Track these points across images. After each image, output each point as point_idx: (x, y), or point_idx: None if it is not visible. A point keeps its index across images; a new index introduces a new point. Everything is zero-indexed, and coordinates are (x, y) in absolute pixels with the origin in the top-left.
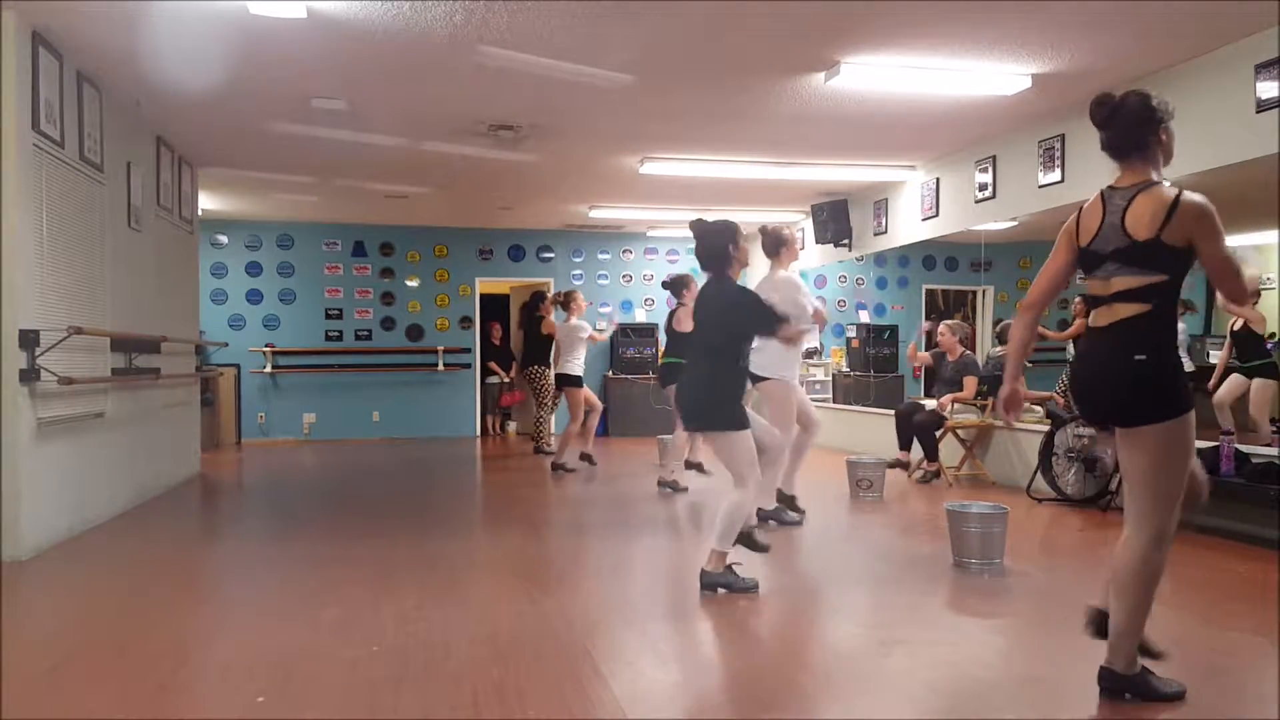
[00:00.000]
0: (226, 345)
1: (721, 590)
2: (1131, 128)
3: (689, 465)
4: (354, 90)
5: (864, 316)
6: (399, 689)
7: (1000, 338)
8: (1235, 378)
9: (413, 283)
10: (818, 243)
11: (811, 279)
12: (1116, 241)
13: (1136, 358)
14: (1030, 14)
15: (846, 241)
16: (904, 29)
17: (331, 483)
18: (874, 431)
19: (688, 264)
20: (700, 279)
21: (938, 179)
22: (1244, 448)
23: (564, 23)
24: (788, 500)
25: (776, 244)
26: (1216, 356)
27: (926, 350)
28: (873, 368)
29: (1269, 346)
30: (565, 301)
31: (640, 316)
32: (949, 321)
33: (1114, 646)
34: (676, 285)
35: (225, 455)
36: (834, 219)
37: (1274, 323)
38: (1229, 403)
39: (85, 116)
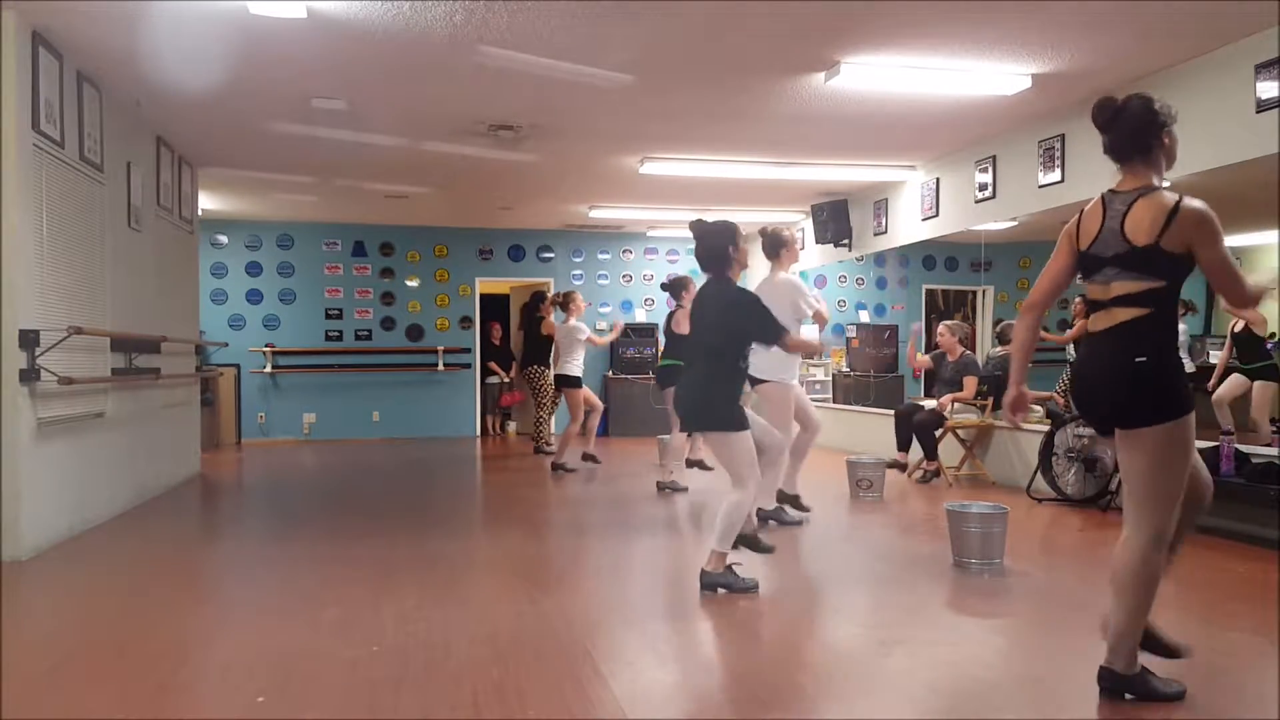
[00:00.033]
0: (226, 345)
1: (721, 590)
2: (1134, 131)
3: (690, 464)
4: (354, 90)
5: (864, 316)
6: (399, 689)
7: (1000, 338)
8: (1236, 377)
9: (413, 283)
10: (818, 243)
11: (811, 279)
12: (1116, 246)
13: (1137, 359)
14: (1030, 14)
15: (846, 241)
16: (904, 29)
17: (331, 483)
18: (874, 431)
19: (688, 264)
20: (699, 280)
21: (938, 179)
22: (1244, 448)
23: (564, 23)
24: (792, 500)
25: (776, 245)
26: (1217, 357)
27: (925, 351)
28: (873, 368)
29: (1269, 347)
30: (564, 302)
31: (640, 316)
32: (948, 322)
33: (1114, 647)
34: (675, 287)
35: (225, 455)
36: (834, 219)
37: (1274, 323)
38: (1228, 401)
39: (85, 116)
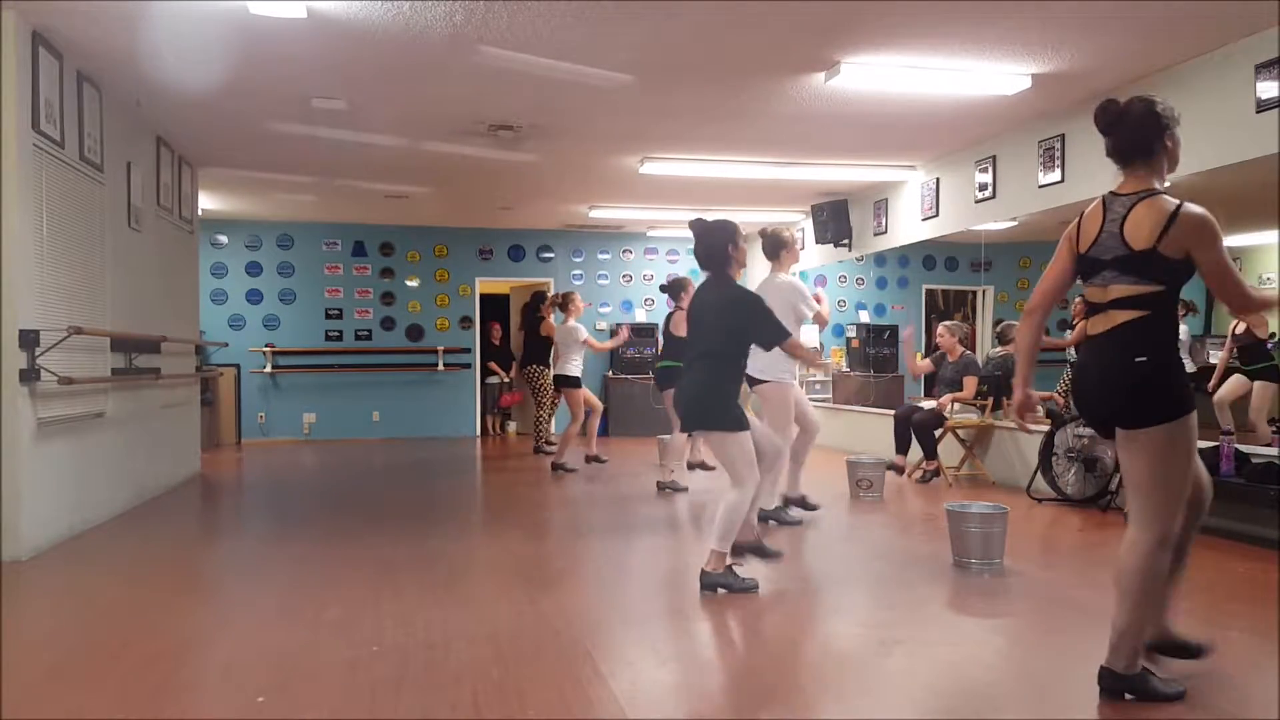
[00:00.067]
0: (227, 345)
1: (721, 590)
2: (1137, 134)
3: (692, 466)
4: (354, 90)
5: (864, 316)
6: (399, 689)
7: (1000, 338)
8: (1237, 378)
9: (413, 283)
10: (818, 243)
11: (811, 279)
12: (1115, 249)
13: (1137, 359)
14: (1030, 14)
15: (846, 241)
16: (904, 29)
17: (331, 483)
18: (874, 431)
19: (688, 264)
20: (699, 281)
21: (938, 179)
22: (1244, 448)
23: (564, 23)
24: (799, 501)
25: (776, 246)
26: (1217, 358)
27: (925, 353)
28: (873, 368)
29: (1269, 347)
30: (563, 303)
31: (640, 316)
32: (948, 323)
33: (1115, 646)
34: (674, 288)
35: (225, 455)
36: (834, 219)
37: (1274, 323)
38: (1229, 402)
39: (85, 116)
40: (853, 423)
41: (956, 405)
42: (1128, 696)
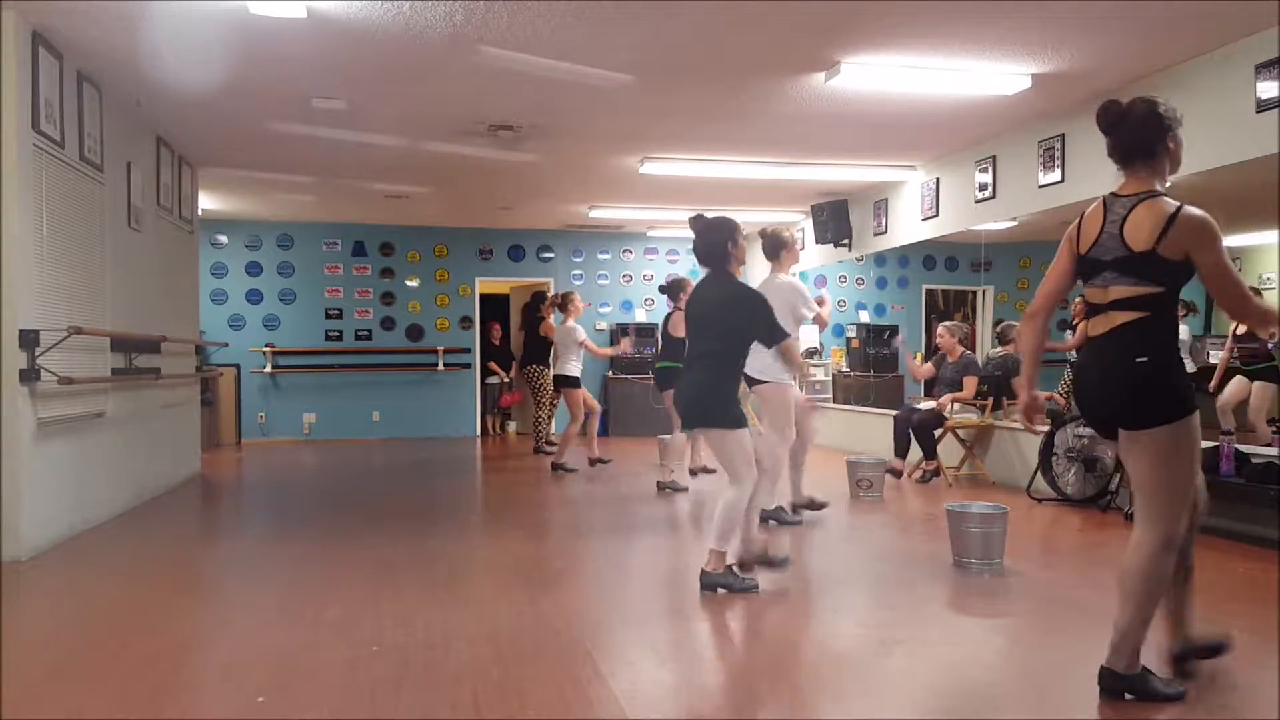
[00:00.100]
0: (227, 345)
1: (721, 590)
2: (1139, 135)
3: (694, 472)
4: (354, 90)
5: (864, 316)
6: (399, 689)
7: (1000, 338)
8: (1238, 380)
9: (413, 283)
10: (818, 243)
11: (811, 279)
12: (1115, 251)
13: (1138, 360)
14: (1030, 14)
15: (846, 241)
16: (904, 29)
17: (331, 483)
18: (874, 431)
19: (688, 264)
20: (698, 279)
21: (938, 179)
22: (1244, 448)
23: (564, 23)
24: (807, 504)
25: (776, 247)
26: (1217, 357)
27: (925, 356)
28: (873, 368)
29: (1270, 347)
30: (562, 303)
31: (640, 317)
32: (948, 323)
33: (1117, 646)
34: (673, 289)
35: (225, 455)
36: (834, 219)
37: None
38: (1234, 406)
39: (85, 116)
40: (853, 423)
41: (956, 405)
42: (1128, 696)
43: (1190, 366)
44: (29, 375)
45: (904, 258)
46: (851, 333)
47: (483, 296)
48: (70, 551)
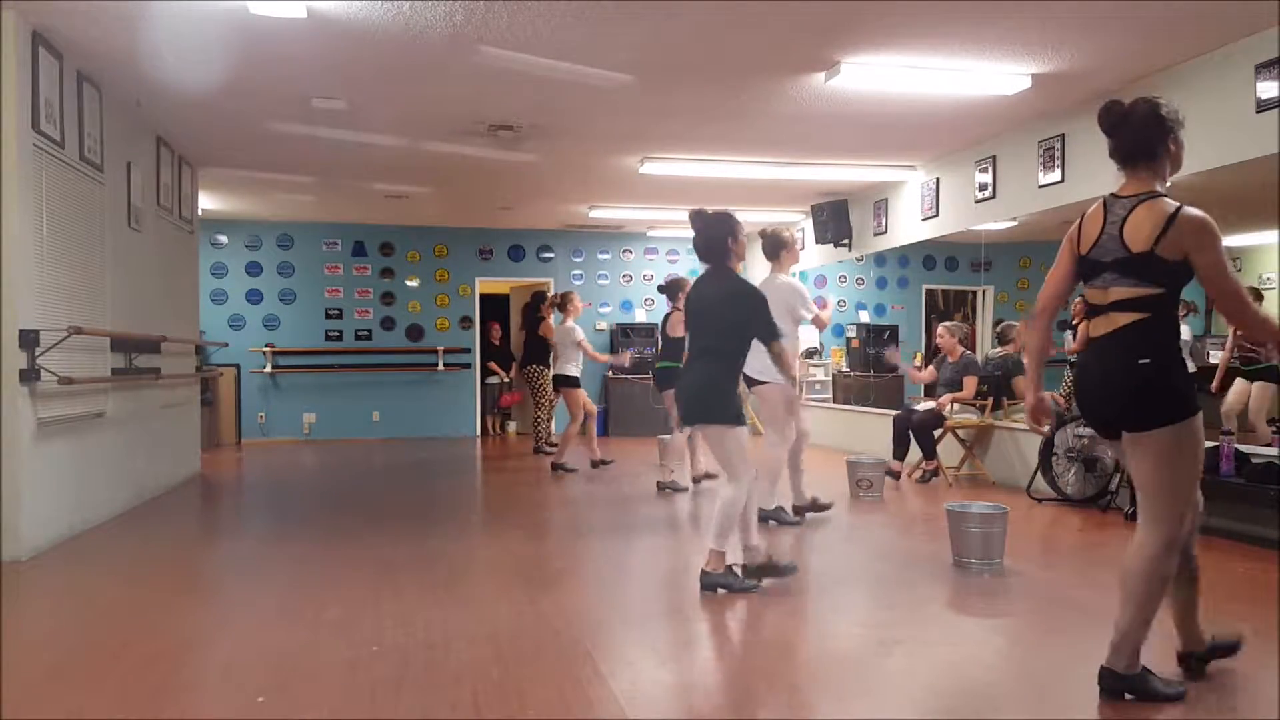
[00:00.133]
0: (227, 345)
1: (721, 590)
2: (1140, 136)
3: (697, 479)
4: (354, 90)
5: (864, 316)
6: (399, 689)
7: (1000, 338)
8: (1239, 383)
9: (413, 283)
10: (818, 243)
11: (811, 279)
12: (1115, 252)
13: (1140, 361)
14: (1030, 14)
15: (846, 241)
16: (904, 29)
17: (331, 483)
18: (874, 431)
19: (688, 264)
20: (697, 275)
21: (938, 179)
22: (1244, 448)
23: (564, 23)
24: (810, 505)
25: (776, 247)
26: (1217, 357)
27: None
28: (872, 368)
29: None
30: (562, 303)
31: (640, 317)
32: (947, 323)
33: (1117, 646)
34: (672, 289)
35: (225, 455)
36: (834, 219)
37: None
38: (1239, 411)
39: (85, 116)
40: (852, 423)
41: (956, 405)
42: (1128, 696)
43: (1190, 367)
44: (29, 375)
45: (904, 258)
46: (851, 333)
47: (483, 296)
48: (70, 551)
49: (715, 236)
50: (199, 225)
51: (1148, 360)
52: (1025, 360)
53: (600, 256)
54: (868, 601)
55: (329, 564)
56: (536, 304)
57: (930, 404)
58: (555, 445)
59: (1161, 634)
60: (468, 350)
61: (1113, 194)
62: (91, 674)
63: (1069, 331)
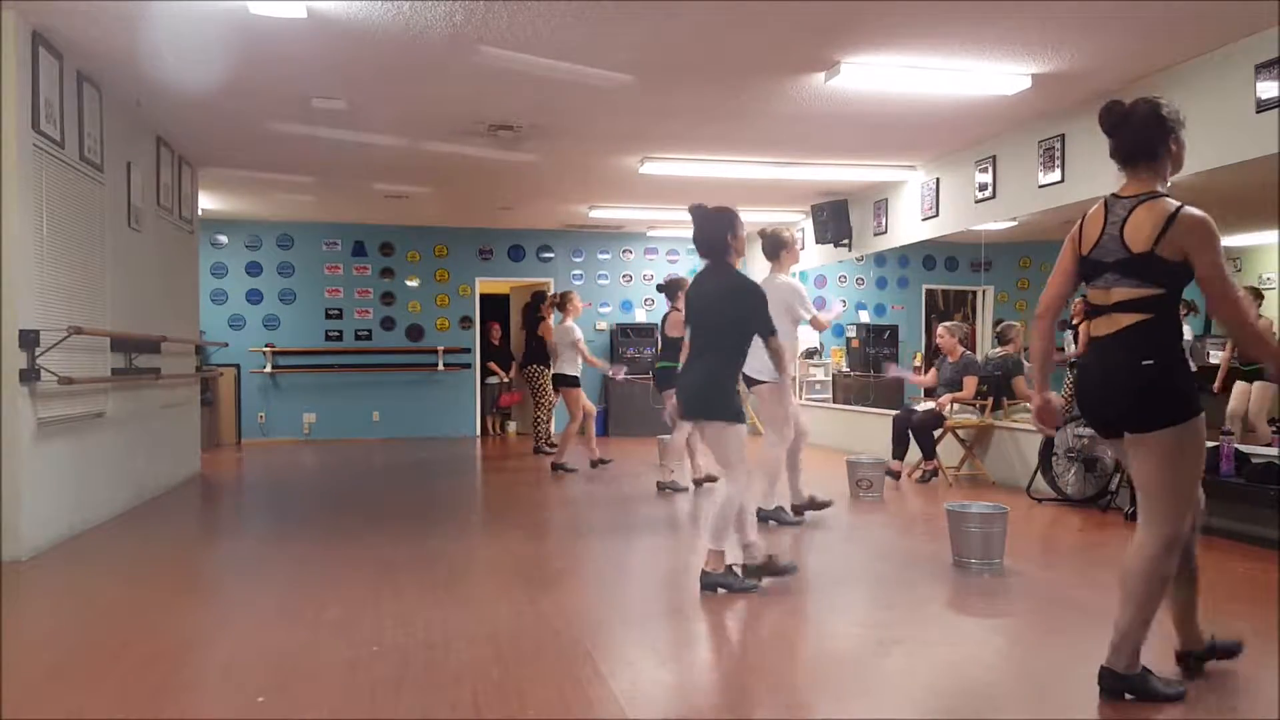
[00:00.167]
0: (227, 345)
1: (721, 590)
2: (1141, 136)
3: (698, 482)
4: (354, 90)
5: (864, 316)
6: (399, 689)
7: (1000, 338)
8: (1240, 383)
9: (413, 283)
10: (818, 243)
11: (811, 279)
12: (1116, 252)
13: (1144, 362)
14: (1030, 14)
15: (846, 241)
16: (904, 29)
17: (331, 483)
18: (873, 431)
19: (688, 264)
20: (697, 270)
21: (938, 179)
22: (1244, 448)
23: (564, 23)
24: (808, 503)
25: (776, 247)
26: (1217, 357)
27: (924, 354)
28: (872, 368)
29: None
30: (561, 303)
31: (640, 316)
32: (947, 323)
33: (1117, 646)
34: (671, 288)
35: (225, 455)
36: (834, 219)
37: (1276, 324)
38: (1242, 412)
39: (85, 116)
40: (852, 423)
41: (956, 405)
42: (1128, 696)
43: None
44: (29, 375)
45: (904, 258)
46: (851, 333)
47: (483, 296)
48: (70, 551)
49: (715, 232)
50: (199, 225)
51: (1152, 362)
52: (1030, 362)
53: (600, 256)
54: (867, 601)
55: (329, 564)
56: (537, 304)
57: (930, 404)
58: (555, 445)
59: (1161, 634)
60: (468, 350)
61: (1114, 194)
62: (91, 674)
63: (1068, 332)
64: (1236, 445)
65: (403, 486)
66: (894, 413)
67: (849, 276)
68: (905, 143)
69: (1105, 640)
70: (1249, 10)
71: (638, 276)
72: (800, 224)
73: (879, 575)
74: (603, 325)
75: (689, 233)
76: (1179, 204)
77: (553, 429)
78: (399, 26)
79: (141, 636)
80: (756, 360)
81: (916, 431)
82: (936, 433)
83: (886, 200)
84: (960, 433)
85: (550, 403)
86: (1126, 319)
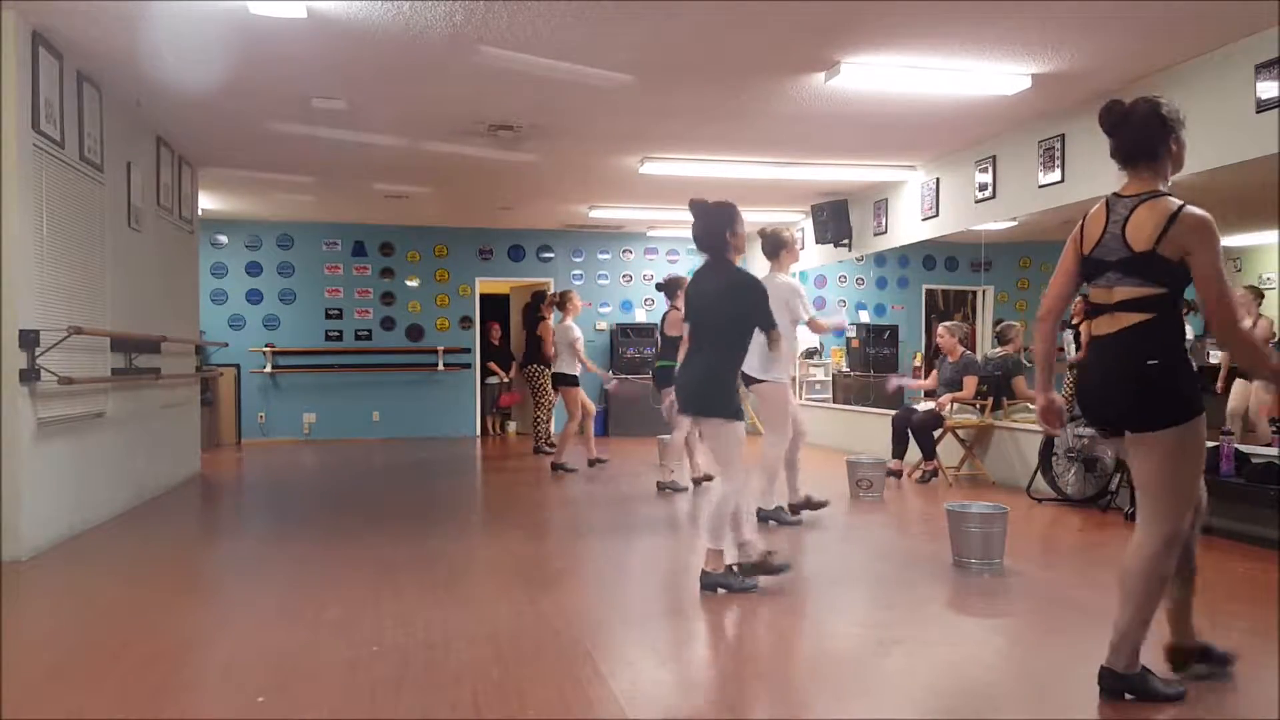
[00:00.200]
0: (227, 345)
1: (721, 590)
2: (1141, 135)
3: (697, 481)
4: (354, 90)
5: (864, 316)
6: (399, 689)
7: (1000, 338)
8: (1240, 383)
9: (413, 283)
10: (818, 243)
11: (811, 279)
12: (1117, 251)
13: (1148, 362)
14: (1030, 14)
15: (846, 241)
16: (904, 29)
17: (331, 483)
18: (873, 431)
19: (688, 264)
20: (696, 266)
21: (938, 179)
22: (1244, 448)
23: (564, 23)
24: (805, 503)
25: (776, 246)
26: (1218, 356)
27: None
28: (872, 368)
29: (1271, 345)
30: (561, 302)
31: (640, 316)
32: (947, 323)
33: (1116, 646)
34: (670, 287)
35: (225, 455)
36: (834, 219)
37: (1276, 324)
38: (1242, 411)
39: (85, 116)
40: (852, 423)
41: (955, 405)
42: (1128, 696)
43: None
44: (29, 375)
45: (904, 258)
46: (851, 333)
47: (483, 296)
48: (70, 551)
49: (715, 227)
50: (199, 225)
51: (1155, 361)
52: (1034, 364)
53: (600, 256)
54: (867, 601)
55: (329, 564)
56: (537, 304)
57: (930, 404)
58: (555, 445)
59: (1161, 634)
60: (468, 350)
61: (1115, 194)
62: (91, 674)
63: (1068, 331)
64: (1236, 445)
65: (403, 486)
66: (894, 413)
67: (849, 276)
68: (905, 143)
69: (1105, 640)
70: (1249, 10)
71: (637, 276)
72: (800, 224)
73: (879, 575)
74: (603, 325)
75: (689, 232)
76: (1181, 203)
77: (552, 429)
78: (399, 26)
79: (141, 636)
80: (756, 359)
81: (916, 431)
82: (936, 433)
83: (886, 200)
84: (960, 433)
85: (550, 402)
86: (1128, 318)
